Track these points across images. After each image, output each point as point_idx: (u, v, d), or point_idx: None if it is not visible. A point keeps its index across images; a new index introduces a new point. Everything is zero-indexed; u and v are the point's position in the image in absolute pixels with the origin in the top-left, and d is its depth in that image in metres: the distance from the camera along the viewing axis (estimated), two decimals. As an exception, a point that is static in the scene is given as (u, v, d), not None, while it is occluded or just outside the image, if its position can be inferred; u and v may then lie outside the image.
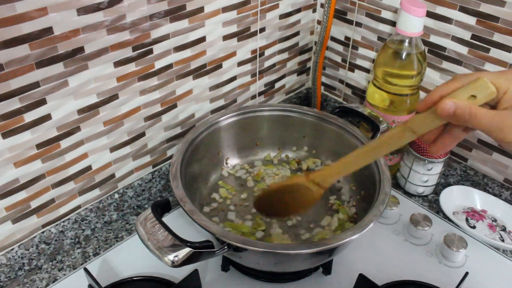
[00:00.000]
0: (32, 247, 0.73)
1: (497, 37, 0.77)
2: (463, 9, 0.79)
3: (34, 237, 0.73)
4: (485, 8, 0.76)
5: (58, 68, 0.63)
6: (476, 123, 0.43)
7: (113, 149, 0.77)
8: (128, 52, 0.70)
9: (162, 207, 0.62)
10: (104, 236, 0.80)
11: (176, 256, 0.56)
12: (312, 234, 0.73)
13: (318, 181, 0.59)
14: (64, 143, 0.70)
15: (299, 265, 0.65)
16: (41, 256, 0.75)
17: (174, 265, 0.56)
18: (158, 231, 0.58)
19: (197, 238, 0.57)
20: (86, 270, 0.68)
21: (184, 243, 0.56)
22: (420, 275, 0.72)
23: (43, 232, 0.74)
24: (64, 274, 0.74)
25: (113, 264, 0.74)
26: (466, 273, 0.68)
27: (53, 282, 0.73)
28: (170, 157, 0.87)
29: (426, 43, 0.85)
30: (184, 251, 0.56)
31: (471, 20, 0.79)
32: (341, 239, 0.59)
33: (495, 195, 0.86)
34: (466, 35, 0.80)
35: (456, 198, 0.85)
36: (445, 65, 0.85)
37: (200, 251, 0.57)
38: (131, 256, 0.75)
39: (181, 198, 0.64)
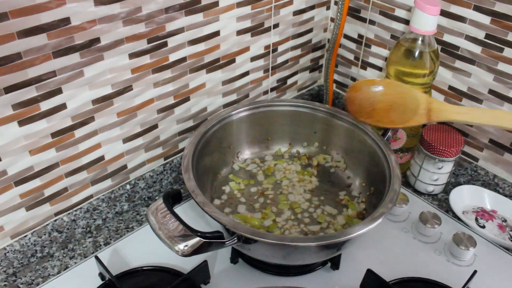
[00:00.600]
0: (45, 234, 0.74)
1: (512, 37, 0.77)
2: (478, 8, 0.79)
3: (47, 225, 0.74)
4: (500, 7, 0.76)
5: (74, 58, 0.64)
6: None
7: (126, 140, 0.78)
8: (143, 44, 0.71)
9: (173, 198, 0.63)
10: (115, 226, 0.81)
11: (186, 245, 0.57)
12: (321, 227, 0.73)
13: (431, 107, 0.55)
14: (78, 133, 0.71)
15: (307, 258, 0.66)
16: (53, 244, 0.76)
17: (184, 254, 0.57)
18: (169, 221, 0.59)
19: (208, 230, 0.58)
20: (97, 258, 0.69)
21: (195, 233, 0.57)
22: (428, 272, 0.72)
23: (55, 220, 0.75)
24: (75, 262, 0.75)
25: (123, 254, 0.75)
26: (475, 271, 0.68)
27: (65, 269, 0.74)
28: (182, 150, 0.88)
29: (439, 42, 0.85)
30: (194, 241, 0.57)
31: (486, 19, 0.79)
32: (349, 233, 0.59)
33: (505, 195, 0.86)
34: (480, 34, 0.80)
35: (466, 197, 0.85)
36: (458, 64, 0.85)
37: (210, 241, 0.58)
38: (141, 246, 0.76)
39: (193, 190, 0.65)
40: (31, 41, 0.59)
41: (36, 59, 0.61)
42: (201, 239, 0.57)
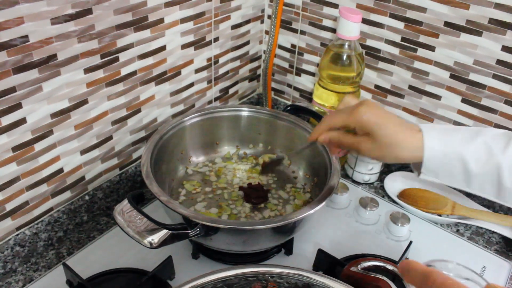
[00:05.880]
0: (7, 249, 0.76)
1: (422, 39, 0.89)
2: (393, 16, 0.90)
3: (9, 240, 0.76)
4: (411, 14, 0.88)
5: (33, 74, 0.68)
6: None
7: (83, 152, 0.81)
8: (96, 60, 0.76)
9: (137, 198, 0.68)
10: (76, 237, 0.84)
11: (154, 238, 0.61)
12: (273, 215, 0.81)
13: (454, 206, 0.89)
14: (38, 146, 0.74)
15: (264, 242, 0.72)
16: (16, 258, 0.77)
17: (153, 246, 0.62)
18: (136, 218, 0.63)
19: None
20: (65, 265, 0.71)
21: (161, 225, 0.62)
22: (371, 249, 0.81)
23: (17, 235, 0.76)
24: (40, 275, 0.77)
25: (87, 262, 0.77)
26: (410, 242, 0.78)
27: (29, 282, 0.76)
28: (136, 159, 0.92)
29: (363, 46, 0.96)
30: (162, 233, 0.62)
31: (400, 25, 0.90)
32: (300, 214, 0.66)
33: (431, 178, 0.97)
34: (397, 38, 0.92)
35: (399, 182, 0.96)
36: (381, 65, 0.96)
37: (176, 232, 0.63)
38: (105, 253, 0.79)
39: (156, 192, 0.69)
40: (-8, 59, 0.63)
41: (-4, 76, 0.64)
42: (168, 230, 0.62)
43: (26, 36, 0.65)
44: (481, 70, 0.85)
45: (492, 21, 0.80)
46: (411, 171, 0.99)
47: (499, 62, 0.82)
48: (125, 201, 0.65)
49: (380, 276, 0.62)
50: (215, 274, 0.61)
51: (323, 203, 0.69)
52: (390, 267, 0.65)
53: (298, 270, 0.60)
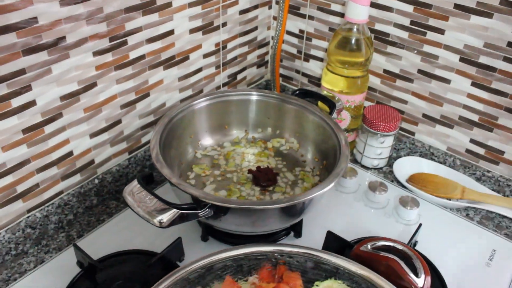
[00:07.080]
0: (19, 231, 0.76)
1: (432, 22, 0.88)
2: (402, -2, 0.89)
3: (20, 221, 0.76)
4: (421, -4, 0.87)
5: (42, 56, 0.68)
6: None
7: (93, 135, 0.82)
8: (105, 43, 0.76)
9: (146, 179, 0.68)
10: (86, 220, 0.84)
11: (164, 217, 0.62)
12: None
13: (464, 190, 0.89)
14: (48, 129, 0.74)
15: (273, 223, 0.72)
16: (27, 240, 0.78)
17: (162, 226, 0.62)
18: (145, 198, 0.63)
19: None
20: (75, 245, 0.72)
21: (171, 205, 0.62)
22: (381, 232, 0.81)
23: (28, 217, 0.77)
24: (51, 256, 0.77)
25: (97, 244, 0.78)
26: (420, 225, 0.77)
27: (41, 263, 0.76)
28: (145, 144, 0.93)
29: (372, 30, 0.95)
30: (171, 212, 0.62)
31: (409, 8, 0.89)
32: (310, 194, 0.66)
33: (440, 162, 0.96)
34: (406, 21, 0.91)
35: (408, 167, 0.95)
36: (390, 49, 0.95)
37: (185, 212, 0.64)
38: (115, 235, 0.79)
39: (167, 174, 0.69)
40: (2, 39, 0.63)
41: (6, 57, 0.64)
42: (178, 210, 0.63)
43: (35, 18, 0.65)
44: (491, 53, 0.84)
45: (503, 2, 0.79)
46: (420, 156, 0.98)
47: (510, 44, 0.81)
48: (135, 182, 0.66)
49: (390, 255, 0.62)
50: (225, 252, 0.61)
51: (332, 184, 0.68)
52: (399, 246, 0.65)
53: (307, 249, 0.61)
